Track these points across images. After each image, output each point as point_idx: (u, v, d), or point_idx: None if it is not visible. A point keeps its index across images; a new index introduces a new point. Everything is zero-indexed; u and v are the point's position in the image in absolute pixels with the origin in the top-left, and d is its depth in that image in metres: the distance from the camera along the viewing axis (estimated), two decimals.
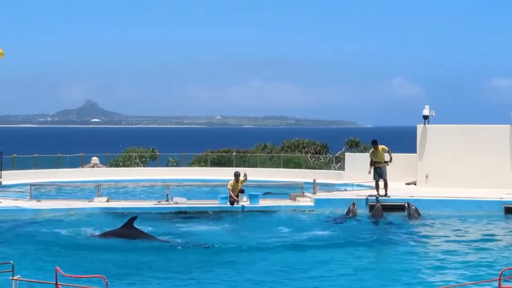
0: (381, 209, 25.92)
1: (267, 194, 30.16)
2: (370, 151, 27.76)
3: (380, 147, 27.33)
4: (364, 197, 27.07)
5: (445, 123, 32.11)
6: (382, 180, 27.15)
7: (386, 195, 27.10)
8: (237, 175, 27.34)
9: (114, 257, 18.47)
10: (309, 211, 26.75)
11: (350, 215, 25.76)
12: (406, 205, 26.13)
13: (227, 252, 19.34)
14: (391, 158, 27.32)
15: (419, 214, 25.68)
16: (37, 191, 29.87)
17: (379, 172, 27.22)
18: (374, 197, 26.84)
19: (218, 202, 27.09)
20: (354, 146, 48.46)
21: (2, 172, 35.91)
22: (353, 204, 26.20)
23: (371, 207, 26.27)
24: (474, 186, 29.61)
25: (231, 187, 27.09)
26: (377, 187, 27.33)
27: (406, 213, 26.08)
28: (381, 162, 27.26)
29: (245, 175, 27.30)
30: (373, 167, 27.17)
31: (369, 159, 27.42)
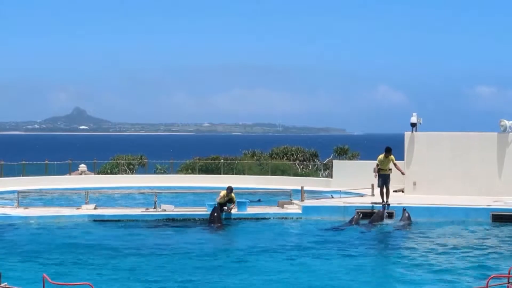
0: (384, 216, 26.15)
1: (253, 202, 30.07)
2: (380, 156, 27.77)
3: (391, 156, 27.53)
4: (370, 205, 27.22)
5: (429, 130, 32.16)
6: (385, 187, 27.34)
7: (387, 202, 27.23)
8: (230, 189, 27.24)
9: (102, 264, 18.43)
10: (297, 218, 26.78)
11: (353, 223, 25.76)
12: (402, 210, 26.21)
13: (215, 259, 19.36)
14: (402, 171, 28.38)
15: (410, 221, 25.72)
16: (25, 198, 29.79)
17: (384, 179, 27.38)
18: (381, 205, 27.01)
19: (205, 209, 27.07)
20: (343, 153, 48.55)
21: None
22: (357, 213, 26.25)
23: (371, 214, 26.33)
24: (461, 193, 29.66)
25: (220, 196, 26.99)
26: (381, 194, 27.47)
27: (399, 218, 26.15)
28: (386, 170, 27.42)
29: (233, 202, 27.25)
30: (378, 174, 27.43)
31: (375, 167, 27.54)
